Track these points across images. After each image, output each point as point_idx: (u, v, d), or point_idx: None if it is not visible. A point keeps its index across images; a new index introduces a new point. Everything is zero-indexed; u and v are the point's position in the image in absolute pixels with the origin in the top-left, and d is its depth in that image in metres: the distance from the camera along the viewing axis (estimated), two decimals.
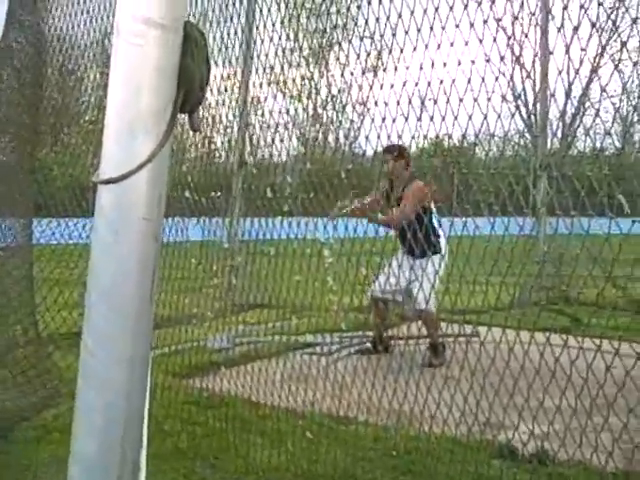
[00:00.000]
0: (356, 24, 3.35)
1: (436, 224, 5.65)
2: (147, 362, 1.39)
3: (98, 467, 1.30)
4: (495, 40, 2.85)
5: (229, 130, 5.77)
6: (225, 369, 5.05)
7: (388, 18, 3.01)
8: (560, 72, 2.69)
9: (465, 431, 3.34)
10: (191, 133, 5.36)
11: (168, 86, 1.27)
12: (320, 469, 3.44)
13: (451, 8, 2.82)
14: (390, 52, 3.07)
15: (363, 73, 3.78)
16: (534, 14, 5.72)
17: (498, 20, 2.75)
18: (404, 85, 3.04)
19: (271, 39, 4.12)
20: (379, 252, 4.21)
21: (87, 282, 1.33)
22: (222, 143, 6.07)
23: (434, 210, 5.67)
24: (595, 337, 2.68)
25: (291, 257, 4.23)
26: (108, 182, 1.26)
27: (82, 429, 1.32)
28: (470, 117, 2.81)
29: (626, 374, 2.54)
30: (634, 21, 2.33)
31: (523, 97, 17.10)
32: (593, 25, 2.37)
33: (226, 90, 4.92)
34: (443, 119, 2.89)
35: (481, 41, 2.77)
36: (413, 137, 3.09)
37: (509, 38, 3.05)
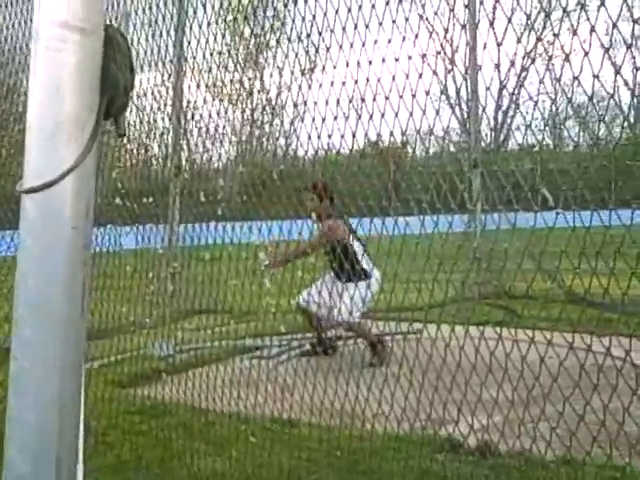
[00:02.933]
0: (293, 22, 3.33)
1: (360, 255, 5.65)
2: (80, 373, 1.36)
3: None
4: (431, 35, 2.89)
5: (164, 136, 5.69)
6: (168, 377, 4.98)
7: (325, 14, 3.01)
8: (497, 66, 2.74)
9: (407, 428, 3.37)
10: (125, 139, 5.26)
11: (90, 91, 1.25)
12: (265, 473, 3.43)
13: (387, 3, 2.84)
14: (328, 50, 3.07)
15: (302, 74, 3.77)
16: (467, 6, 5.83)
17: (434, 13, 2.79)
18: (344, 84, 3.05)
19: (207, 41, 4.09)
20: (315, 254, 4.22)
21: (15, 294, 1.29)
22: (158, 147, 5.98)
23: (357, 243, 5.76)
24: (528, 328, 2.73)
25: (227, 261, 4.20)
26: (31, 191, 1.23)
27: (15, 447, 1.28)
28: (411, 114, 2.82)
29: (560, 364, 2.60)
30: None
31: (455, 95, 17.31)
32: (528, 17, 2.42)
33: (153, 93, 4.83)
34: (382, 116, 2.91)
35: (417, 36, 2.80)
36: (354, 135, 3.10)
37: (445, 32, 3.09)
